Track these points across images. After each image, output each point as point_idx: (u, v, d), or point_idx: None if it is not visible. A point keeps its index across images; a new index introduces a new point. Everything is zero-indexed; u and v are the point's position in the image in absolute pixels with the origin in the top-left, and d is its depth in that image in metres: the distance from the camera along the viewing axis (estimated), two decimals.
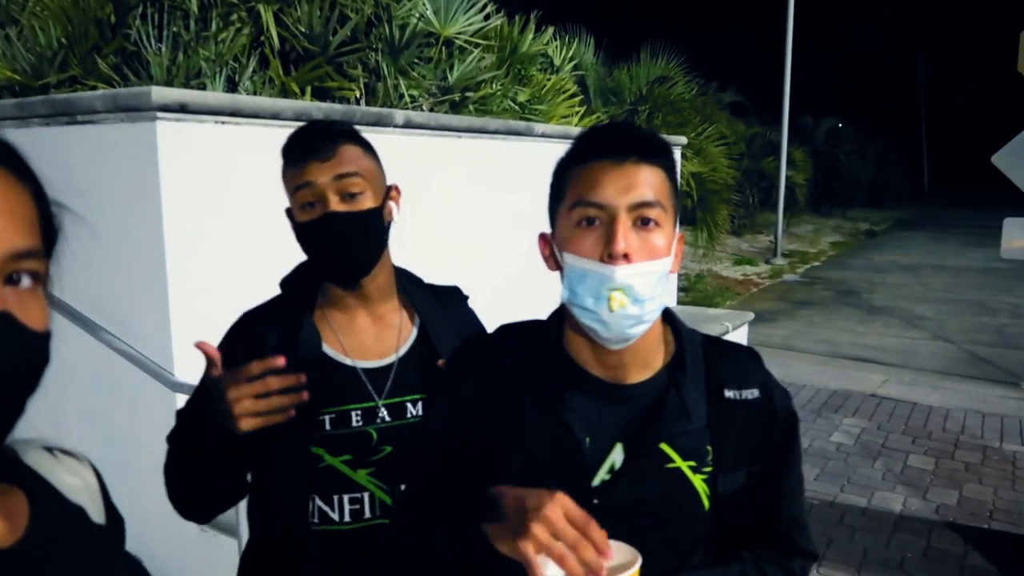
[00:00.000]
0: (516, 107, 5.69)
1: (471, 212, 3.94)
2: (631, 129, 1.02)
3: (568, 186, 1.01)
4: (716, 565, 1.08)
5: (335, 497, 1.33)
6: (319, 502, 1.33)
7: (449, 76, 5.01)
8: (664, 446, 1.03)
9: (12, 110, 2.93)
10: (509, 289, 3.53)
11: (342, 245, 1.30)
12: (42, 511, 0.69)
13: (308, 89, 4.27)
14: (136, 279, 2.68)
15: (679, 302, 7.67)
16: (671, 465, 1.04)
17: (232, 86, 4.04)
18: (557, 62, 7.19)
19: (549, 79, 6.43)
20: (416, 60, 4.89)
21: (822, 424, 5.48)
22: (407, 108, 4.62)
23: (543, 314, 1.16)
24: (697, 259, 12.34)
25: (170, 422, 2.68)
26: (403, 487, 1.32)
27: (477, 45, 5.18)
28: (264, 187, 2.86)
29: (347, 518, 1.33)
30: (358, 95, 4.58)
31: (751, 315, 6.24)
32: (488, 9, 5.31)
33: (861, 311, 9.99)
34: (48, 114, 2.82)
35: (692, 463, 1.04)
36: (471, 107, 5.13)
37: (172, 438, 1.34)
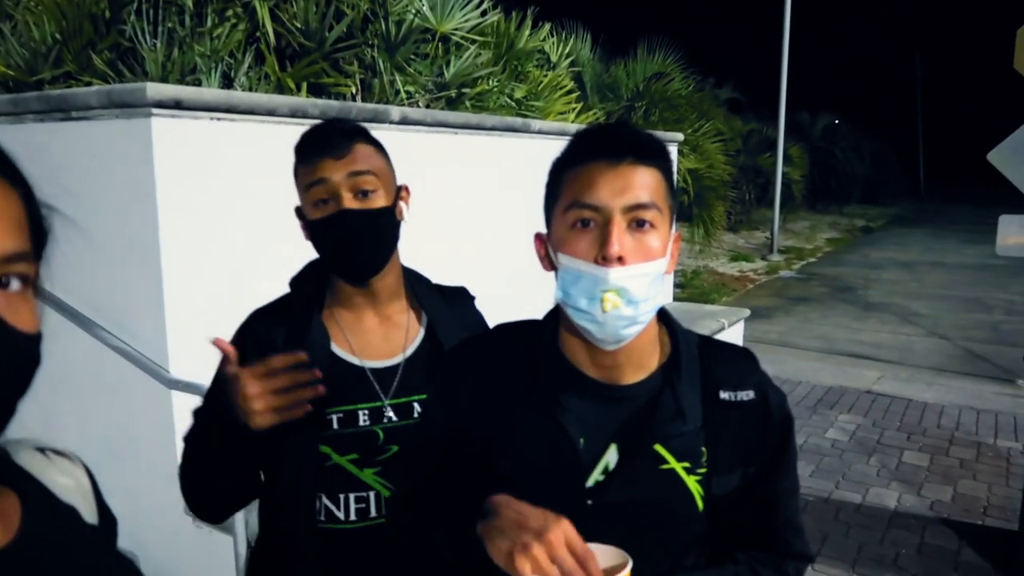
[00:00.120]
0: (513, 103, 5.68)
1: (467, 209, 3.94)
2: (627, 130, 1.02)
3: (563, 187, 1.01)
4: (710, 567, 1.08)
5: (341, 496, 1.34)
6: (326, 500, 1.34)
7: (445, 72, 5.00)
8: (658, 447, 1.03)
9: (6, 106, 2.92)
10: (505, 287, 3.52)
11: (355, 242, 1.30)
12: (34, 512, 0.69)
13: (304, 85, 4.26)
14: (131, 276, 2.67)
15: (675, 298, 7.68)
16: (665, 466, 1.03)
17: (228, 82, 4.03)
18: (554, 58, 7.18)
19: (546, 75, 6.43)
20: (412, 56, 4.89)
21: (817, 420, 5.49)
22: (403, 104, 4.61)
23: (538, 312, 1.16)
24: (693, 255, 12.36)
25: (165, 419, 2.70)
26: (399, 487, 1.33)
27: (474, 41, 5.18)
28: (260, 183, 2.86)
29: (353, 517, 1.34)
30: (354, 91, 4.57)
31: (747, 311, 6.25)
32: (485, 5, 5.30)
33: (857, 307, 10.01)
34: (42, 110, 2.80)
35: (686, 464, 1.04)
36: (468, 103, 5.12)
37: (188, 438, 1.35)
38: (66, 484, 0.75)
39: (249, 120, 2.81)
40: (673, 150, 6.31)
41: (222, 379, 1.21)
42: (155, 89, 2.47)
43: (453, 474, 1.12)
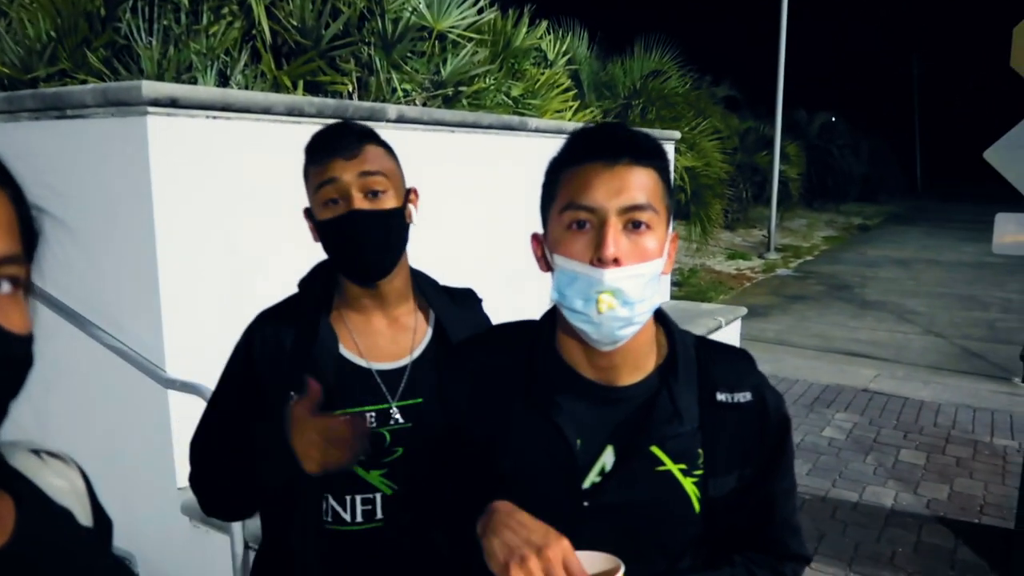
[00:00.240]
0: (510, 102, 5.68)
1: (464, 208, 3.93)
2: (623, 130, 1.01)
3: (559, 188, 1.00)
4: (707, 569, 1.08)
5: (347, 498, 1.34)
6: (332, 502, 1.34)
7: (442, 70, 4.99)
8: (655, 449, 1.03)
9: (1, 104, 2.91)
10: (503, 287, 3.52)
11: (365, 243, 1.30)
12: (29, 514, 0.68)
13: (300, 83, 4.25)
14: (127, 275, 2.66)
15: (672, 296, 7.68)
16: (662, 468, 1.03)
17: (223, 80, 4.02)
18: (551, 56, 7.17)
19: (543, 73, 6.43)
20: (409, 54, 4.88)
21: (814, 419, 5.50)
22: (400, 103, 4.61)
23: (535, 313, 1.15)
24: (690, 253, 12.36)
25: (162, 418, 2.69)
26: (402, 488, 1.33)
27: (470, 39, 5.17)
28: (256, 182, 2.85)
29: (359, 518, 1.34)
30: (350, 89, 4.56)
31: (744, 310, 6.25)
32: (481, 3, 5.30)
33: (854, 306, 10.02)
34: (37, 108, 2.79)
35: (683, 466, 1.04)
36: (464, 102, 5.11)
37: (210, 442, 1.36)
38: (60, 486, 0.75)
39: (245, 118, 2.81)
40: (670, 148, 6.31)
41: (291, 413, 1.21)
42: (150, 87, 2.46)
43: (453, 474, 1.11)
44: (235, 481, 1.31)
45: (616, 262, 0.94)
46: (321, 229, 1.32)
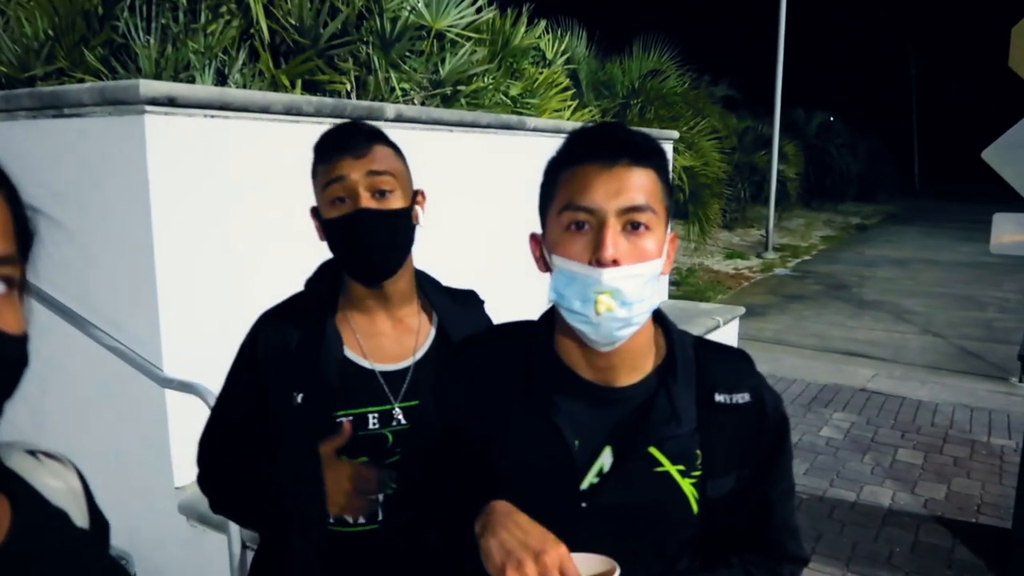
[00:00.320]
0: (508, 101, 5.67)
1: (462, 207, 3.93)
2: (622, 131, 1.01)
3: (558, 188, 1.00)
4: (704, 570, 1.07)
5: None
6: None
7: (441, 70, 4.99)
8: (653, 450, 1.03)
9: None
10: (500, 286, 3.52)
11: (371, 242, 1.30)
12: (24, 515, 0.68)
13: (298, 82, 4.24)
14: (124, 274, 2.66)
15: (670, 296, 7.68)
16: (660, 469, 1.03)
17: (221, 79, 4.01)
18: (549, 56, 7.16)
19: (541, 73, 6.42)
20: (407, 53, 4.87)
21: (812, 418, 5.50)
22: (398, 102, 4.60)
23: (534, 313, 1.15)
24: (688, 253, 12.37)
25: (159, 418, 2.68)
26: (399, 487, 1.33)
27: (469, 38, 5.16)
28: (254, 181, 2.85)
29: (361, 520, 1.34)
30: (349, 88, 4.56)
31: (742, 309, 6.25)
32: (480, 2, 5.29)
33: (851, 305, 10.03)
34: (34, 107, 2.78)
35: (681, 467, 1.04)
36: (463, 101, 5.11)
37: (212, 440, 1.39)
38: (57, 487, 0.75)
39: (243, 117, 2.80)
40: (668, 148, 6.31)
41: (319, 450, 1.27)
42: (148, 86, 2.45)
43: (452, 473, 1.11)
44: (242, 484, 1.32)
45: (615, 263, 0.94)
46: (327, 227, 1.32)
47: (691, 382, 1.07)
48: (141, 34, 3.85)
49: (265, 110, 2.87)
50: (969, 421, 5.49)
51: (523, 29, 6.11)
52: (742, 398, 1.06)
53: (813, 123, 23.98)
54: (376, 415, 1.34)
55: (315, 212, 1.36)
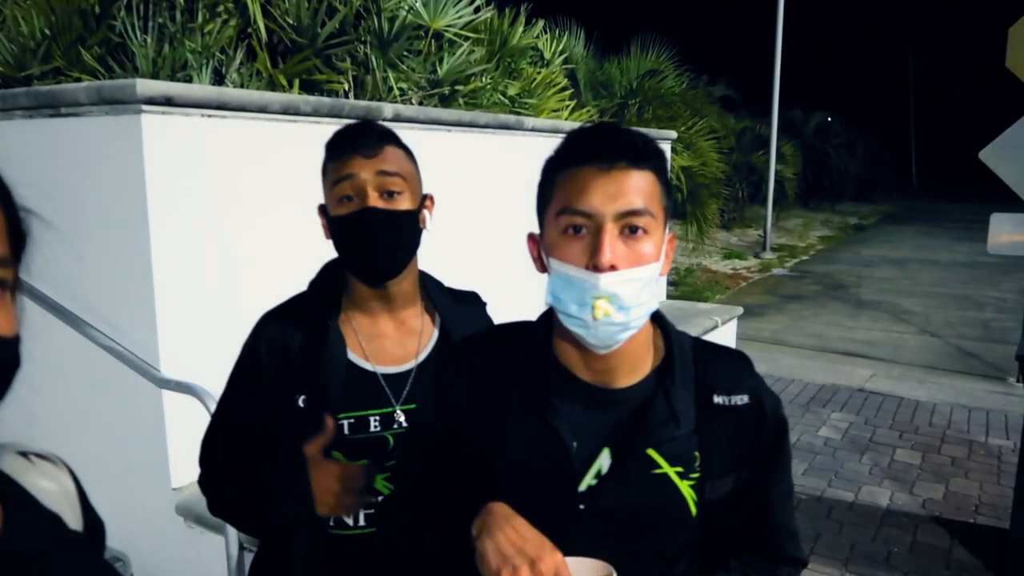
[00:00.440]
0: (506, 101, 5.66)
1: (460, 207, 3.92)
2: (620, 132, 1.00)
3: (555, 190, 0.99)
4: (702, 573, 1.07)
5: None
6: None
7: (439, 69, 4.98)
8: (651, 452, 1.02)
9: None
10: (499, 286, 3.52)
11: (377, 242, 1.30)
12: (16, 517, 0.67)
13: (296, 82, 4.23)
14: (121, 274, 2.65)
15: (668, 296, 7.68)
16: (658, 471, 1.03)
17: (219, 79, 4.01)
18: (547, 55, 7.16)
19: (539, 72, 6.42)
20: (405, 53, 4.86)
21: (810, 419, 5.50)
22: (396, 101, 4.59)
23: (532, 314, 1.15)
24: (686, 253, 12.38)
25: (156, 418, 2.67)
26: (398, 489, 1.32)
27: (467, 38, 5.15)
28: (251, 181, 2.84)
29: (362, 522, 1.34)
30: (347, 88, 4.55)
31: (740, 309, 6.25)
32: (478, 2, 5.28)
33: (849, 305, 10.04)
34: (31, 106, 2.77)
35: (679, 469, 1.03)
36: (461, 101, 5.10)
37: (213, 443, 1.38)
38: (49, 489, 0.74)
39: (240, 117, 2.79)
40: (666, 148, 6.31)
41: (305, 452, 1.25)
42: (145, 85, 2.45)
43: (452, 474, 1.11)
44: (240, 487, 1.31)
45: (612, 268, 0.93)
46: (333, 225, 1.32)
47: (689, 383, 1.06)
48: (138, 33, 3.84)
49: (263, 110, 2.86)
50: (967, 421, 5.49)
51: (521, 29, 6.10)
52: (741, 400, 1.06)
53: (811, 123, 24.00)
54: (377, 418, 1.34)
55: (322, 209, 1.35)
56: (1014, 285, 11.10)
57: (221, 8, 4.10)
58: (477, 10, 5.27)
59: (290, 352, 1.32)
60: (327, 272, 1.43)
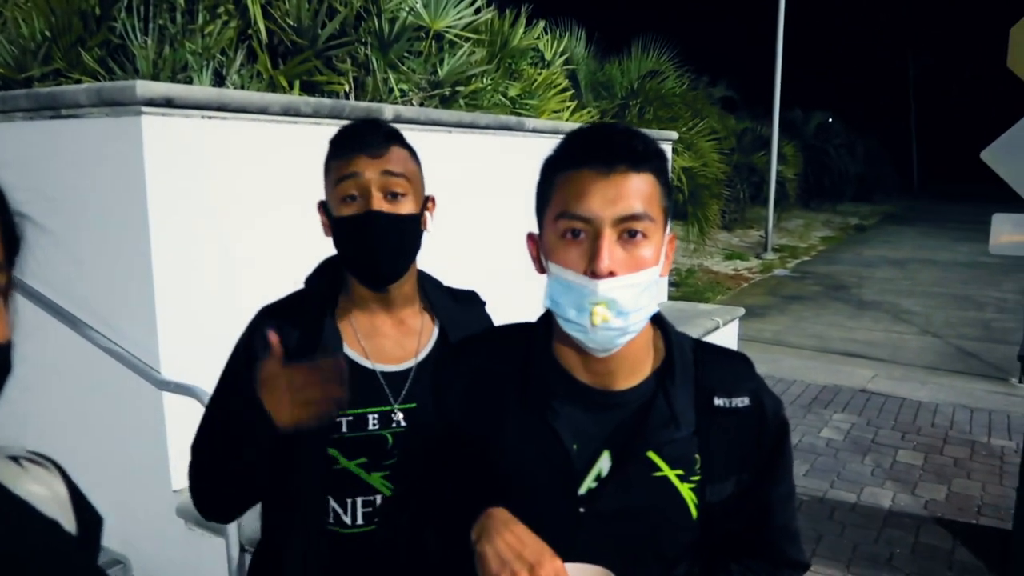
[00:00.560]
0: (507, 102, 5.66)
1: (461, 208, 3.92)
2: (620, 134, 0.98)
3: (554, 192, 0.98)
4: None
5: (349, 500, 1.33)
6: (333, 504, 1.33)
7: (439, 70, 4.97)
8: (651, 454, 1.02)
9: None
10: (499, 287, 3.51)
11: (381, 245, 1.29)
12: (6, 522, 0.67)
13: (296, 83, 4.23)
14: (121, 275, 2.65)
15: (670, 297, 7.67)
16: (658, 473, 1.02)
17: (219, 80, 4.00)
18: (548, 56, 7.16)
19: (540, 73, 6.41)
20: (406, 54, 4.86)
21: (812, 420, 5.49)
22: (397, 103, 4.59)
23: (533, 315, 1.14)
24: (688, 254, 12.36)
25: (156, 420, 2.67)
26: (398, 490, 1.32)
27: (467, 39, 5.15)
28: (251, 182, 2.84)
29: (360, 521, 1.33)
30: (347, 89, 4.55)
31: (742, 310, 6.24)
32: (479, 3, 5.28)
33: (850, 306, 10.03)
34: (31, 108, 2.77)
35: (680, 471, 1.02)
36: (461, 102, 5.10)
37: (201, 438, 1.33)
38: (40, 494, 0.73)
39: (240, 118, 2.79)
40: (667, 148, 6.30)
41: (245, 375, 1.19)
42: (145, 87, 2.44)
43: (452, 473, 1.10)
44: (231, 483, 1.28)
45: (611, 274, 0.92)
46: (336, 225, 1.31)
47: (690, 385, 1.05)
48: (138, 35, 3.84)
49: (263, 111, 2.86)
50: (969, 422, 5.48)
51: (522, 30, 6.09)
52: (741, 402, 1.05)
53: (811, 124, 24.00)
54: (376, 416, 1.33)
55: (323, 206, 1.34)
56: (1015, 285, 11.09)
57: (221, 9, 4.10)
58: (478, 11, 5.27)
59: (287, 349, 1.31)
60: (324, 269, 1.42)
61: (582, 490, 1.02)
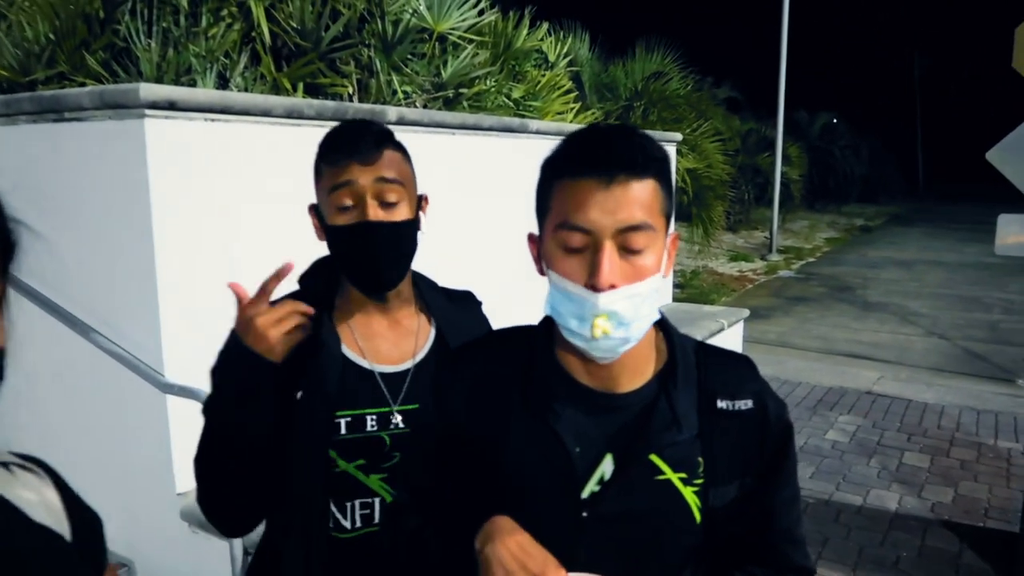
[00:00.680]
0: (510, 103, 5.66)
1: (464, 210, 3.92)
2: (621, 140, 0.96)
3: (553, 199, 0.97)
4: None
5: (347, 504, 1.32)
6: (332, 507, 1.32)
7: (443, 72, 4.97)
8: (654, 457, 1.01)
9: None
10: (503, 289, 3.51)
11: (379, 256, 1.28)
12: None
13: (300, 85, 4.23)
14: (125, 278, 2.64)
15: (674, 298, 7.65)
16: (661, 477, 1.01)
17: (223, 82, 4.01)
18: (552, 58, 7.15)
19: (544, 75, 6.40)
20: (409, 56, 4.86)
21: (817, 422, 5.47)
22: (400, 105, 4.59)
23: (536, 317, 1.13)
24: (692, 255, 12.35)
25: (160, 423, 2.67)
26: (399, 494, 1.31)
27: (471, 41, 5.15)
28: (255, 184, 2.84)
29: (358, 523, 1.32)
30: (351, 91, 4.55)
31: (746, 312, 6.22)
32: (482, 4, 5.28)
33: (856, 307, 10.00)
34: (35, 111, 2.77)
35: (683, 475, 1.01)
36: (465, 104, 5.09)
37: (206, 440, 1.31)
38: (30, 499, 0.72)
39: (244, 121, 2.79)
40: (671, 150, 6.29)
41: (237, 326, 1.24)
42: (148, 90, 2.44)
43: (453, 474, 1.10)
44: (240, 485, 1.27)
45: (611, 286, 0.92)
46: (332, 234, 1.30)
47: (692, 388, 1.04)
48: (142, 38, 3.84)
49: (266, 113, 2.86)
50: (975, 424, 5.46)
51: (525, 31, 6.09)
52: (744, 404, 1.04)
53: (816, 125, 23.97)
54: (374, 417, 1.32)
55: (315, 210, 1.33)
56: (1021, 287, 11.05)
57: (225, 12, 4.10)
58: (481, 13, 5.26)
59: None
60: (319, 269, 1.41)
61: (585, 494, 1.01)
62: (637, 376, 1.04)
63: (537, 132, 4.52)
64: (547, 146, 1.02)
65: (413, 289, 1.43)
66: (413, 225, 1.33)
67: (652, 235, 0.94)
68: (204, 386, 2.35)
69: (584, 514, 1.00)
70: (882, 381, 6.51)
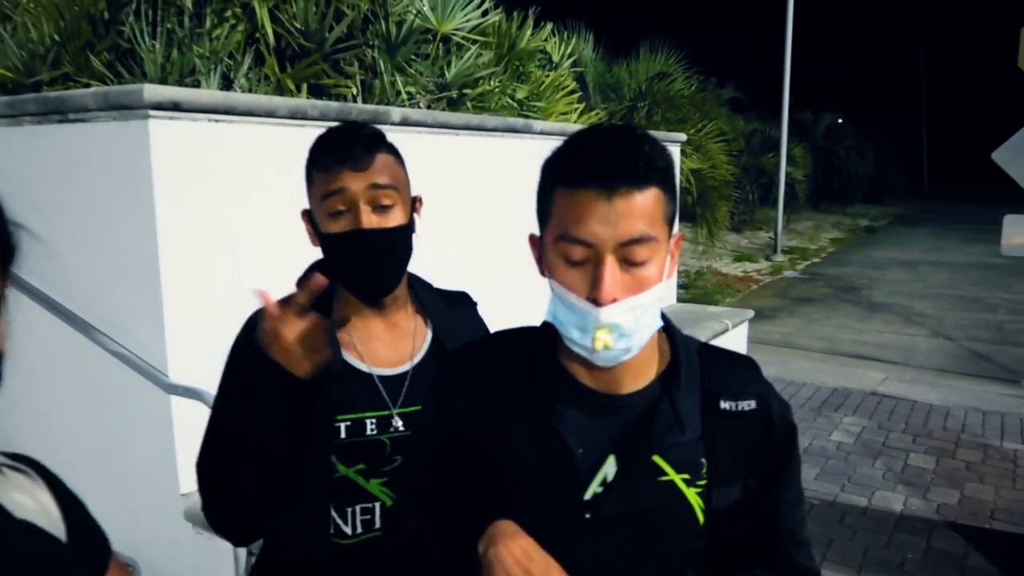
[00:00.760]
0: (514, 104, 5.65)
1: (468, 211, 3.91)
2: (623, 147, 0.94)
3: (554, 207, 0.96)
4: None
5: (348, 509, 1.31)
6: (332, 512, 1.31)
7: (447, 73, 4.97)
8: (657, 458, 1.00)
9: (3, 108, 2.90)
10: (507, 290, 3.50)
11: (374, 263, 1.28)
12: None
13: (304, 86, 4.23)
14: (129, 279, 2.65)
15: (679, 299, 7.64)
16: (664, 478, 1.01)
17: (227, 83, 4.01)
18: (556, 58, 7.14)
19: (548, 75, 6.40)
20: (413, 57, 4.86)
21: (822, 423, 5.46)
22: (404, 105, 4.59)
23: (540, 318, 1.13)
24: (697, 256, 12.33)
25: (164, 424, 2.67)
26: (399, 497, 1.30)
27: (475, 41, 5.15)
28: (259, 185, 2.84)
29: (359, 529, 1.31)
30: (354, 92, 4.55)
31: (751, 312, 6.21)
32: (486, 5, 5.27)
33: (861, 308, 9.97)
34: (40, 112, 2.78)
35: (686, 476, 1.01)
36: (469, 104, 5.09)
37: (214, 442, 1.29)
38: (22, 501, 0.72)
39: (248, 122, 2.79)
40: (675, 150, 6.28)
41: (265, 333, 1.19)
42: (152, 91, 2.45)
43: (453, 474, 1.09)
44: (243, 491, 1.26)
45: (613, 300, 0.91)
46: (326, 242, 1.29)
47: (695, 389, 1.04)
48: (146, 39, 3.85)
49: (270, 114, 2.86)
50: (981, 425, 5.44)
51: (529, 32, 6.08)
52: (748, 405, 1.04)
53: (821, 125, 23.93)
54: (374, 421, 1.31)
55: (307, 215, 1.33)
56: None
57: (229, 13, 4.11)
58: (485, 13, 5.26)
59: None
60: (314, 272, 1.41)
61: (587, 495, 1.01)
62: (640, 377, 1.04)
63: (541, 133, 4.51)
64: (551, 147, 1.01)
65: (409, 291, 1.43)
66: (407, 230, 1.32)
67: (654, 246, 0.93)
68: (208, 386, 2.36)
69: (587, 515, 1.00)
70: (887, 382, 6.49)
